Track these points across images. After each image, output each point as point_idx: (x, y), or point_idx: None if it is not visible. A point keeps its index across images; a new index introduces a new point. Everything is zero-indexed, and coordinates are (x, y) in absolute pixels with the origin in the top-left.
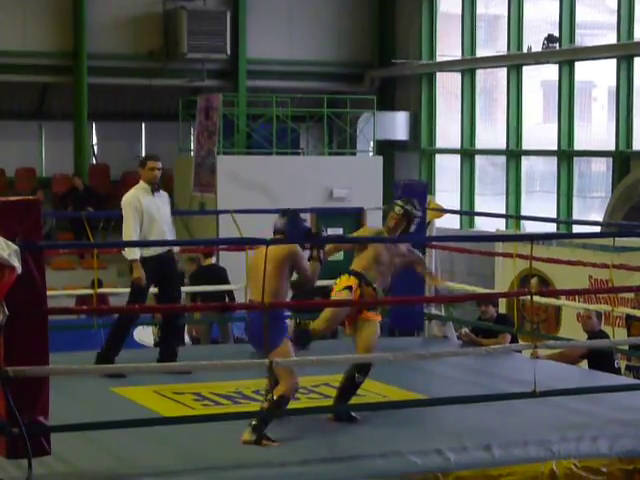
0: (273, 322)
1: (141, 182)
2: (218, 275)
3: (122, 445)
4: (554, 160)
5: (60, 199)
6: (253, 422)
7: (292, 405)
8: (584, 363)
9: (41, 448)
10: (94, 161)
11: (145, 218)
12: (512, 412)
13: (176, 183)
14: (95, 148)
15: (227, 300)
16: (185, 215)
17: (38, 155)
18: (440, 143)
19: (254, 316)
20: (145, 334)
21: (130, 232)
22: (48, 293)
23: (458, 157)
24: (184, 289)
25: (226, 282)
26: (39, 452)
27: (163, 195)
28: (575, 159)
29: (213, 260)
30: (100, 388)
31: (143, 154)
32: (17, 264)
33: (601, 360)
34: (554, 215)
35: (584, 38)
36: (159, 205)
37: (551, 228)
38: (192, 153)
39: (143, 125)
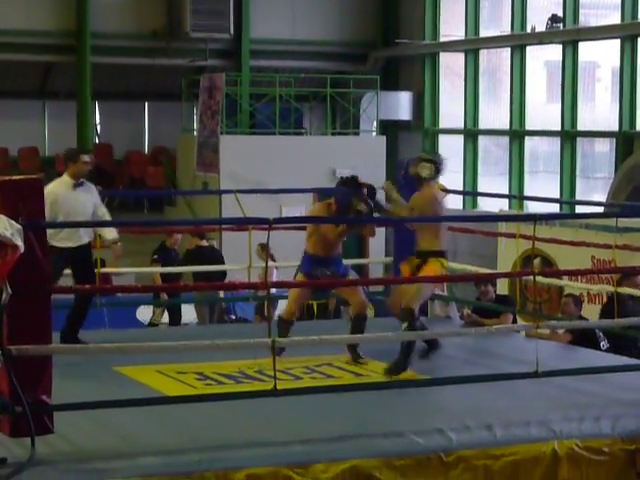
0: None
1: (65, 176)
2: (210, 256)
3: (125, 424)
4: (557, 140)
5: None
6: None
7: (295, 384)
8: None
9: (44, 427)
10: (97, 140)
11: (62, 213)
12: (514, 392)
13: (179, 163)
14: (98, 127)
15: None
16: (188, 195)
17: (41, 134)
18: (443, 123)
19: None
20: (147, 313)
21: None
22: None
23: (461, 137)
24: (185, 269)
25: (218, 264)
26: (42, 431)
27: (88, 188)
28: (578, 139)
29: (205, 242)
30: (103, 367)
31: (146, 135)
32: (20, 243)
33: (586, 344)
34: (557, 195)
35: (588, 18)
36: (80, 199)
37: (554, 208)
38: (195, 133)
39: (146, 104)
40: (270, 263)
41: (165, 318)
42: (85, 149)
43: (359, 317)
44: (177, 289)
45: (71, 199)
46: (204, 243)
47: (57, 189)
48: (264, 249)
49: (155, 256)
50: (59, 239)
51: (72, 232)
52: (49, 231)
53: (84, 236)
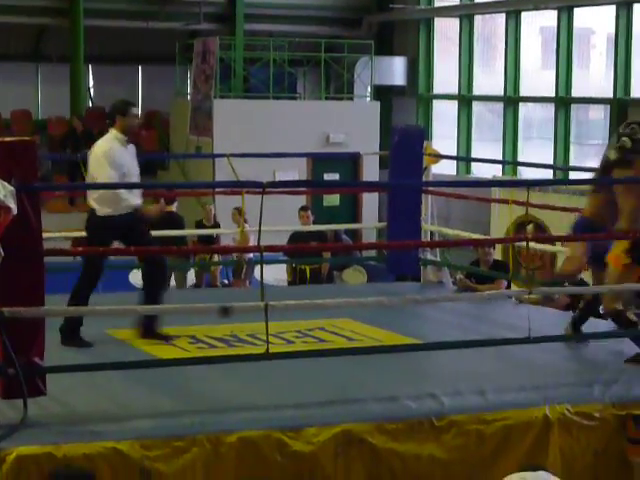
0: None
1: (114, 131)
2: (176, 223)
3: (117, 387)
4: (552, 107)
5: (59, 142)
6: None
7: (288, 348)
8: None
9: (36, 389)
10: (90, 104)
11: (117, 173)
12: (506, 357)
13: (172, 127)
14: (91, 91)
15: None
16: (181, 159)
17: (34, 97)
18: (438, 89)
19: None
20: (139, 277)
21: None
22: (43, 235)
23: (455, 103)
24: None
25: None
26: (34, 393)
27: (132, 147)
28: (573, 106)
29: (174, 207)
30: (96, 330)
31: (139, 99)
32: (13, 205)
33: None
34: (551, 162)
35: None
36: (131, 157)
37: (548, 175)
38: (189, 97)
39: (140, 68)
40: (247, 227)
41: None
42: (133, 102)
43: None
44: (171, 252)
45: (126, 157)
46: (171, 209)
47: (113, 145)
48: (240, 213)
49: None
50: (118, 204)
51: (132, 195)
52: (117, 195)
53: (139, 198)
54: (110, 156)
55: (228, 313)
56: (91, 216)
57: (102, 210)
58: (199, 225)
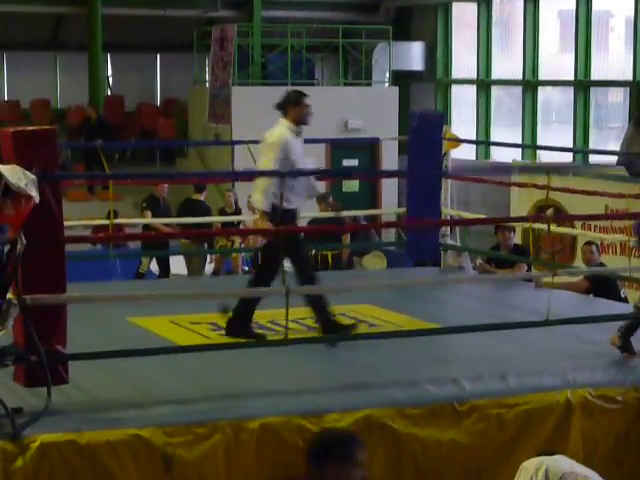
0: None
1: (286, 121)
2: (203, 212)
3: (139, 374)
4: (571, 90)
5: (75, 131)
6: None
7: (308, 334)
8: None
9: (59, 377)
10: (109, 92)
11: (290, 164)
12: (527, 341)
13: (191, 114)
14: (110, 79)
15: None
16: (200, 146)
17: (53, 86)
18: (456, 74)
19: None
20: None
21: (265, 179)
22: (64, 223)
23: (474, 88)
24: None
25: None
26: (57, 381)
27: (302, 139)
28: (592, 89)
29: (203, 197)
30: (117, 318)
31: (158, 86)
32: (34, 193)
33: (607, 291)
34: (570, 146)
35: None
36: (301, 148)
37: (567, 158)
38: (207, 84)
39: (158, 56)
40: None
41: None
42: (304, 92)
43: None
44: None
45: (297, 147)
46: (200, 197)
47: (286, 135)
48: None
49: (144, 204)
50: (291, 198)
51: (305, 186)
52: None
53: (301, 195)
54: (280, 144)
55: (228, 313)
56: (274, 210)
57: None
58: (221, 212)
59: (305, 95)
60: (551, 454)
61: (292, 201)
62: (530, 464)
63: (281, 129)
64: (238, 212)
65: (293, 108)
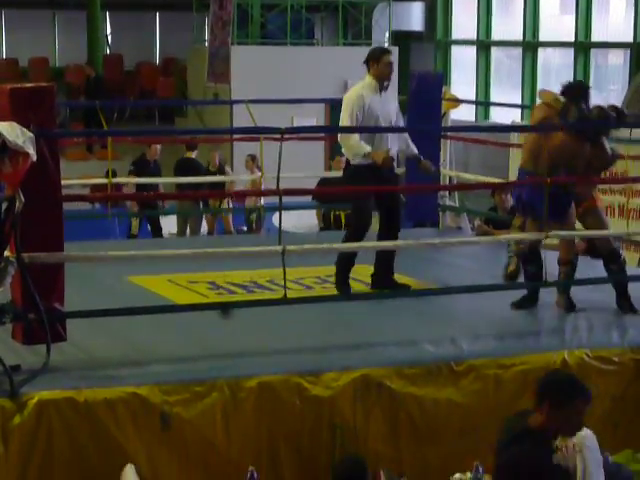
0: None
1: (368, 77)
2: (195, 169)
3: (137, 333)
4: (571, 52)
5: (74, 90)
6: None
7: (307, 294)
8: None
9: (57, 334)
10: (108, 51)
11: (367, 120)
12: None
13: (190, 73)
14: (109, 38)
15: None
16: (199, 105)
17: (51, 45)
18: (456, 34)
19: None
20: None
21: (348, 135)
22: (62, 182)
23: (474, 49)
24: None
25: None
26: (55, 338)
27: (392, 93)
28: (592, 51)
29: (194, 154)
30: (115, 277)
31: (157, 46)
32: (32, 151)
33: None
34: None
35: None
36: (384, 105)
37: None
38: (206, 43)
39: (157, 15)
40: (257, 174)
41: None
42: (388, 49)
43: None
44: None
45: (376, 104)
46: (192, 155)
47: (363, 91)
48: (254, 160)
49: (132, 167)
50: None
51: (378, 142)
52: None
53: (394, 146)
54: (353, 101)
55: (228, 313)
56: (346, 166)
57: (353, 160)
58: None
59: (387, 52)
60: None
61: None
62: None
63: (357, 86)
64: (222, 170)
65: (374, 64)
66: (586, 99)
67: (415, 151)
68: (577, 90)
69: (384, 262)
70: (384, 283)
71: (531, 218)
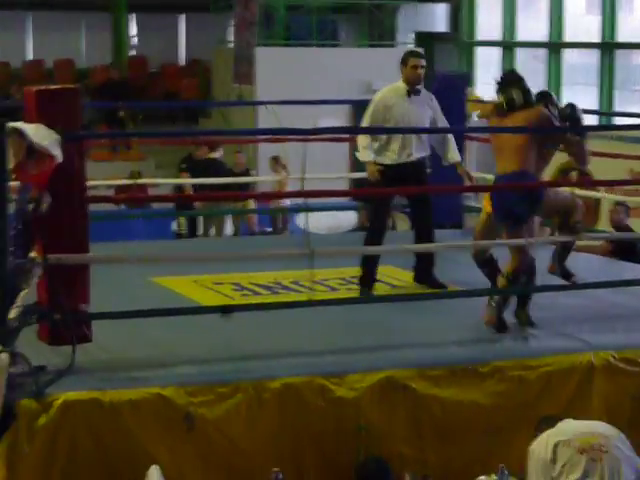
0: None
1: (399, 81)
2: (218, 170)
3: (161, 334)
4: (596, 52)
5: (99, 91)
6: (492, 303)
7: (332, 296)
8: None
9: (82, 335)
10: (133, 53)
11: (389, 122)
12: (548, 304)
13: (215, 74)
14: (134, 39)
15: None
16: (223, 106)
17: (77, 46)
18: (480, 35)
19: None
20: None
21: (361, 136)
22: (88, 183)
23: (498, 49)
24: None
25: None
26: (80, 339)
27: (426, 97)
28: (617, 51)
29: (217, 155)
30: (140, 278)
31: (182, 47)
32: (58, 153)
33: (628, 254)
34: (595, 108)
35: None
36: (413, 109)
37: (592, 121)
38: (231, 45)
39: (182, 16)
40: (284, 174)
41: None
42: (416, 52)
43: None
44: (214, 198)
45: (401, 107)
46: (215, 155)
47: (387, 94)
48: (277, 162)
49: (183, 165)
50: (384, 154)
51: (400, 145)
52: (373, 144)
53: (417, 151)
54: (374, 103)
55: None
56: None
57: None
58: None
59: (414, 55)
60: (552, 419)
61: (386, 157)
62: (537, 446)
63: (385, 88)
64: (247, 172)
65: (403, 67)
66: (520, 87)
67: (457, 158)
68: (510, 78)
69: (425, 257)
70: (426, 278)
71: (511, 225)
